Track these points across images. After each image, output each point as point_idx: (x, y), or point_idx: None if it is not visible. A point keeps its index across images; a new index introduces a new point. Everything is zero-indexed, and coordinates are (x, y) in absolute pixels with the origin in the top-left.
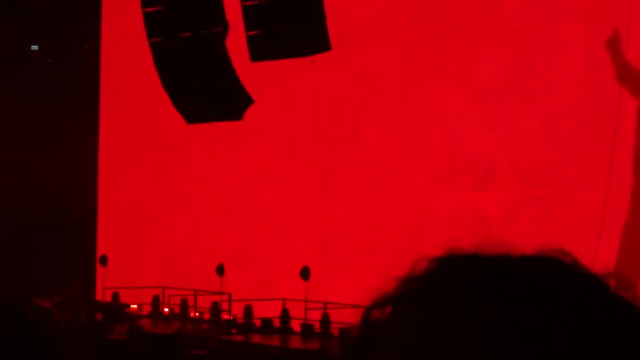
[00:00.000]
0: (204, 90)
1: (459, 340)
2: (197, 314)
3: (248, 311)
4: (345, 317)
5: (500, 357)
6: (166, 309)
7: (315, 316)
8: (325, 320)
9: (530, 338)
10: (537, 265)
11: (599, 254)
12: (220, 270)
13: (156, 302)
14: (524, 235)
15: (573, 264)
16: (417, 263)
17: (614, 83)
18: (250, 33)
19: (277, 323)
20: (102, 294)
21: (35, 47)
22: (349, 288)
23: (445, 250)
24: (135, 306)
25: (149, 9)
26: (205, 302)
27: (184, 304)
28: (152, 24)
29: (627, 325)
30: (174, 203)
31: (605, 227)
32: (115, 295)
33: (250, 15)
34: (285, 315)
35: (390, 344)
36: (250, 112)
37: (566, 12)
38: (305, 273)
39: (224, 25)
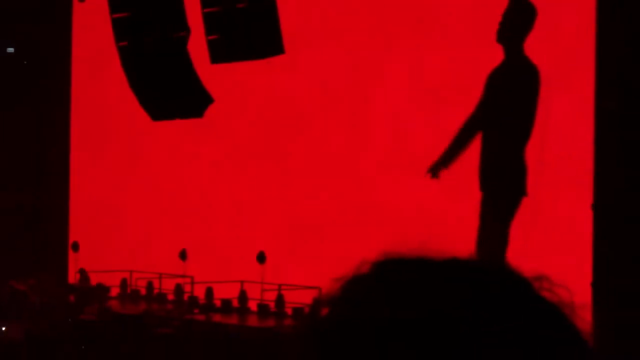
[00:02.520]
0: (168, 90)
1: (381, 346)
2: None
3: (209, 292)
4: (298, 298)
5: None
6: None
7: (270, 297)
8: (280, 301)
9: (448, 343)
10: (464, 269)
11: (526, 252)
12: (183, 255)
13: (124, 285)
14: (460, 227)
15: (503, 268)
16: (360, 266)
17: (543, 82)
18: (210, 37)
19: (235, 303)
20: (74, 278)
21: (10, 50)
22: (301, 271)
23: (383, 253)
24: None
25: (116, 15)
26: (169, 285)
27: (149, 286)
28: (120, 29)
29: (552, 328)
30: (141, 193)
31: (534, 225)
32: (87, 279)
33: (210, 21)
34: (243, 296)
35: (326, 343)
36: (210, 110)
37: (498, 11)
38: (261, 257)
39: (186, 30)
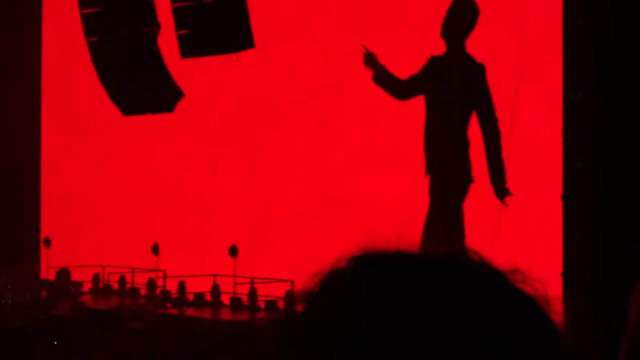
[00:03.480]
0: (138, 84)
1: (359, 342)
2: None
3: (182, 286)
4: (270, 291)
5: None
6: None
7: (243, 290)
8: (253, 294)
9: (428, 338)
10: (445, 265)
11: (496, 244)
12: (155, 249)
13: (96, 280)
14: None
15: (480, 261)
16: (337, 262)
17: (511, 74)
18: (180, 32)
19: (208, 297)
20: (47, 273)
21: None
22: (274, 264)
23: (359, 248)
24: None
25: (86, 11)
26: (142, 279)
27: (122, 281)
28: (89, 25)
29: (530, 320)
30: (112, 188)
31: (503, 217)
32: (59, 274)
33: (180, 16)
34: (216, 290)
35: (304, 338)
36: (181, 104)
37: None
38: (233, 251)
39: (156, 25)
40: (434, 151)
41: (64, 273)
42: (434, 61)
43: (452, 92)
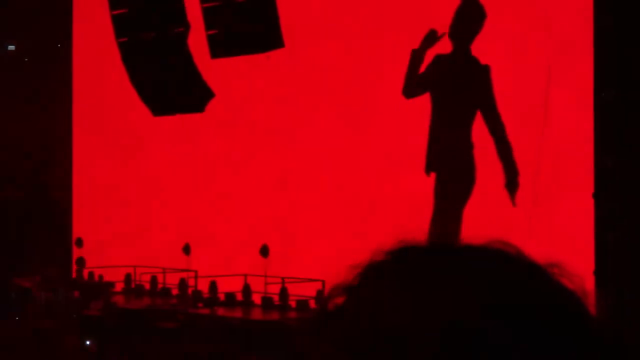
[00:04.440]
0: (168, 85)
1: (403, 333)
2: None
3: (213, 286)
4: (302, 290)
5: (444, 349)
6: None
7: (274, 290)
8: (284, 294)
9: (474, 332)
10: (483, 256)
11: (528, 242)
12: (186, 249)
13: (128, 280)
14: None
15: (518, 255)
16: (375, 255)
17: (541, 73)
18: (210, 32)
19: (239, 297)
20: (79, 274)
21: (11, 47)
22: (304, 264)
23: (398, 241)
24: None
25: (116, 12)
26: (173, 279)
27: (153, 281)
28: (119, 25)
29: (573, 313)
30: (143, 189)
31: (535, 215)
32: (91, 275)
33: (210, 16)
34: (247, 290)
35: (342, 330)
36: (211, 104)
37: (493, 2)
38: (264, 251)
39: (186, 26)
40: (437, 150)
41: (95, 274)
42: (438, 59)
43: (456, 91)
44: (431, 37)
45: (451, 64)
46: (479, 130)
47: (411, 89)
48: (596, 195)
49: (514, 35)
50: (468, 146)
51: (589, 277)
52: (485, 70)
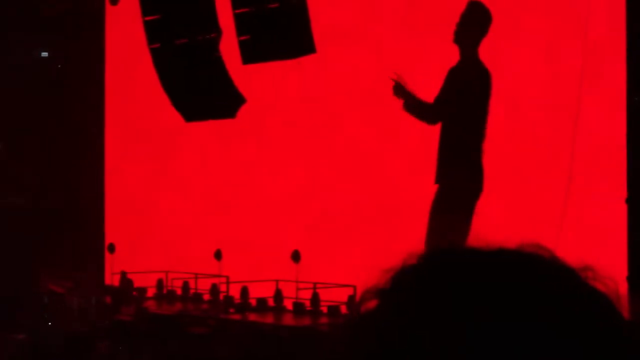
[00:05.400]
0: (200, 91)
1: (438, 336)
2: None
3: (244, 292)
4: (333, 296)
5: (482, 353)
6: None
7: (305, 295)
8: (315, 299)
9: (513, 336)
10: (519, 261)
11: (559, 247)
12: (218, 255)
13: (160, 285)
14: (490, 225)
15: (552, 258)
16: (408, 259)
17: (574, 76)
18: (242, 38)
19: (271, 302)
20: (111, 279)
21: (44, 54)
22: (336, 269)
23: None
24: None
25: (148, 18)
26: (205, 285)
27: (185, 287)
28: (152, 32)
29: (605, 316)
30: (175, 194)
31: (567, 220)
32: (123, 280)
33: (242, 22)
34: (278, 295)
35: (377, 334)
36: (242, 110)
37: (527, 5)
38: (295, 256)
39: (218, 32)
40: (446, 159)
41: (127, 279)
42: (452, 72)
43: (467, 101)
44: (398, 87)
45: (461, 73)
46: (501, 136)
47: (430, 116)
48: (629, 200)
49: (548, 39)
50: (478, 154)
51: (621, 282)
52: (486, 74)
